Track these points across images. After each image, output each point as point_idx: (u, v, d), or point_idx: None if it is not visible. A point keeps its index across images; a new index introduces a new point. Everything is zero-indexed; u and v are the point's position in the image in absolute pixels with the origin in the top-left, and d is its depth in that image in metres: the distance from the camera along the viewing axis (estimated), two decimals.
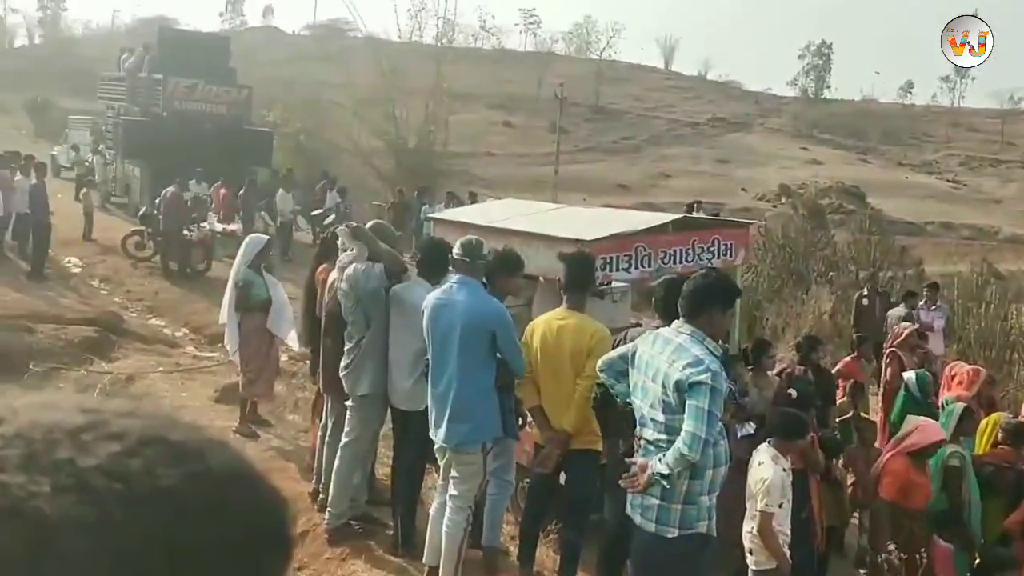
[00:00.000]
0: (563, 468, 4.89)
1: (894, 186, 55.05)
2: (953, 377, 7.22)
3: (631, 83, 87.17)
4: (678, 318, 3.80)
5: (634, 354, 3.95)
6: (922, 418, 6.10)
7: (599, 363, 4.27)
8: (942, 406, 6.76)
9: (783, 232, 17.86)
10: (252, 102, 24.47)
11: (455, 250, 4.89)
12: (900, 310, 11.31)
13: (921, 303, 11.77)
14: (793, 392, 6.30)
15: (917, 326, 10.01)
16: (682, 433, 3.54)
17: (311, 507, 5.94)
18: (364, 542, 5.45)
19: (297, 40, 76.46)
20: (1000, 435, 5.99)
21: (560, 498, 5.09)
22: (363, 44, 37.81)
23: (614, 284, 7.38)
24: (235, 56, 24.86)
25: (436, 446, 4.86)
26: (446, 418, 4.66)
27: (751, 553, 5.14)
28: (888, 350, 9.16)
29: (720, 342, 6.06)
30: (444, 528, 4.78)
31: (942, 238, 42.35)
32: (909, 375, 7.59)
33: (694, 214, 16.33)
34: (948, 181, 61.44)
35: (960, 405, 6.25)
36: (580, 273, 4.91)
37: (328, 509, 5.52)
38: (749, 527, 5.12)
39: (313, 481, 6.14)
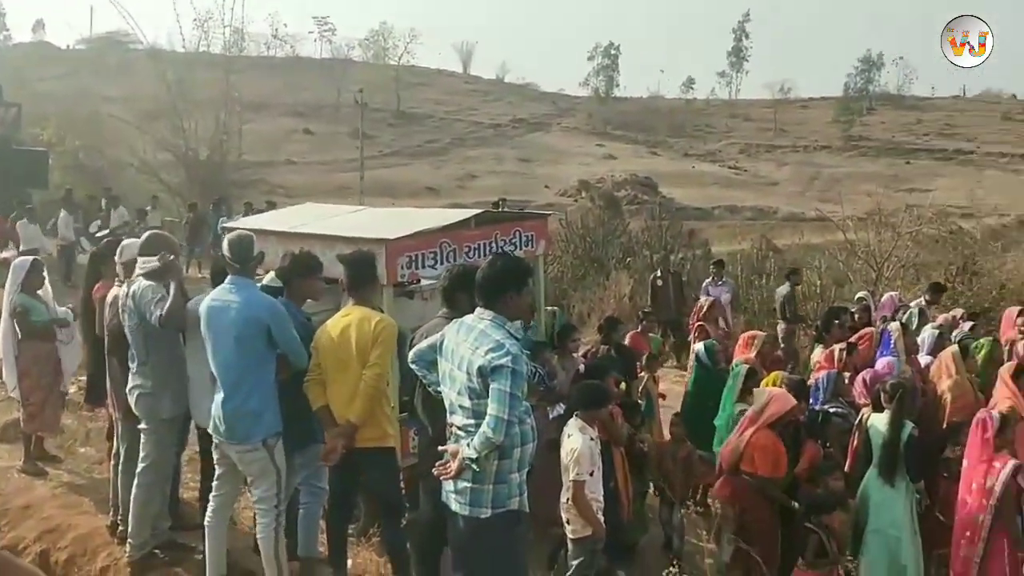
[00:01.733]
0: (359, 468, 4.83)
1: (682, 175, 58.75)
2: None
3: (431, 87, 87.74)
4: (460, 306, 3.88)
5: (442, 343, 3.99)
6: (771, 388, 6.26)
7: (411, 354, 4.28)
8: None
9: (583, 223, 18.60)
10: (22, 121, 22.71)
11: (223, 251, 4.78)
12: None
13: (708, 280, 12.64)
14: (580, 367, 6.63)
15: (714, 299, 10.76)
16: (487, 416, 3.61)
17: (110, 541, 5.55)
18: (171, 570, 5.16)
19: (72, 55, 70.98)
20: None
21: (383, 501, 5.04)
22: (145, 56, 35.71)
23: (423, 282, 7.41)
24: (0, 73, 22.90)
25: (214, 442, 4.79)
26: (224, 414, 4.61)
27: (568, 523, 5.32)
28: (696, 324, 9.72)
29: (535, 316, 6.28)
30: (257, 535, 4.73)
31: (727, 220, 45.71)
32: (698, 346, 8.14)
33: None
34: (730, 168, 66.36)
35: (744, 367, 6.78)
36: (360, 272, 4.89)
37: (129, 540, 5.19)
38: (565, 498, 5.30)
39: (111, 513, 5.73)
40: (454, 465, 3.68)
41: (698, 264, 16.12)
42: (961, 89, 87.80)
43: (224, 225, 13.32)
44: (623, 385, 7.27)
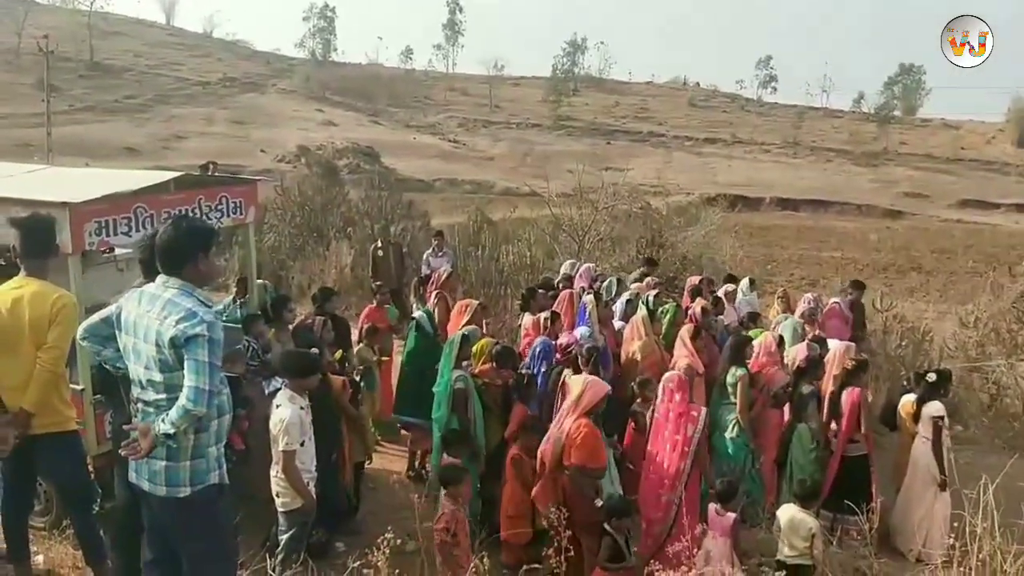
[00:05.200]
0: (37, 457, 4.37)
1: (404, 146, 59.14)
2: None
3: (129, 38, 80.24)
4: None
5: (119, 316, 3.65)
6: (584, 376, 6.23)
7: (80, 330, 3.87)
8: None
9: (300, 191, 18.06)
10: None
11: None
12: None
13: (429, 251, 12.84)
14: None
15: (452, 269, 10.84)
16: (184, 388, 3.38)
17: None
18: None
19: None
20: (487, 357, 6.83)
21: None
22: None
23: (118, 251, 6.76)
24: None
25: None
26: None
27: (278, 496, 5.18)
28: (435, 292, 9.66)
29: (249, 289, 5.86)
30: None
31: (448, 193, 46.79)
32: (419, 313, 8.25)
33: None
34: (450, 141, 67.84)
35: (459, 334, 6.98)
36: (37, 238, 4.42)
37: None
38: (275, 471, 5.14)
39: None
40: (144, 444, 3.41)
41: (418, 235, 16.29)
42: (652, 75, 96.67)
43: None
44: (339, 354, 7.19)
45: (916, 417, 7.28)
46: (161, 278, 3.58)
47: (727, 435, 7.30)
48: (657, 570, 4.62)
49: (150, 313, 3.49)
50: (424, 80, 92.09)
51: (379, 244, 13.10)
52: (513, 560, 5.89)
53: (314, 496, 5.22)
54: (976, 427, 10.17)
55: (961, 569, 5.84)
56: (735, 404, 7.31)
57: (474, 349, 6.79)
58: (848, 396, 7.26)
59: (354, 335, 8.66)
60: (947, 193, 53.43)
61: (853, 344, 8.42)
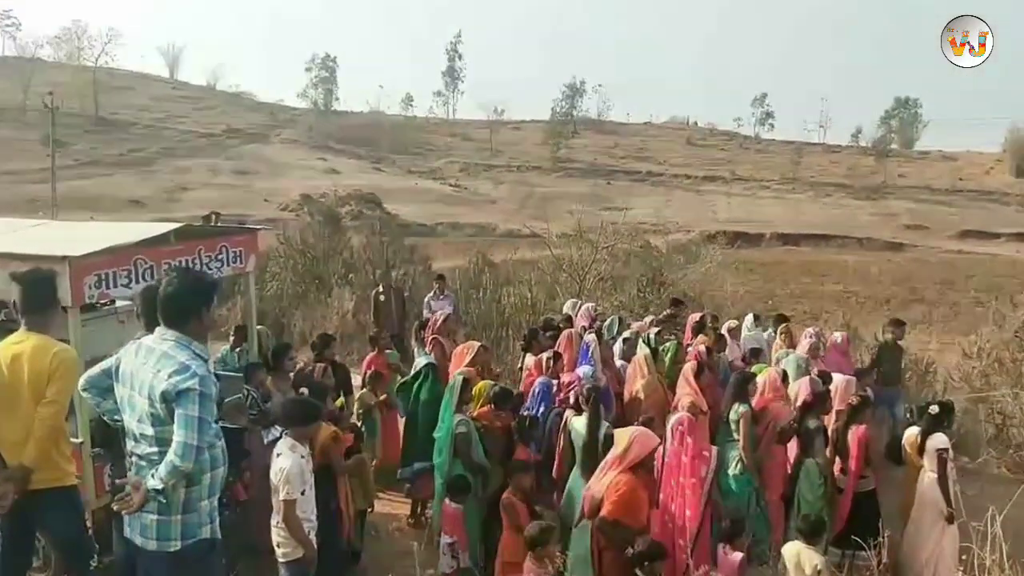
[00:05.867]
0: (36, 512, 4.35)
1: (406, 192, 59.58)
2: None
3: (134, 92, 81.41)
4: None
5: (118, 367, 3.66)
6: (634, 427, 6.02)
7: (82, 381, 3.88)
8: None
9: (302, 239, 18.17)
10: None
11: None
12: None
13: (430, 295, 12.87)
14: (304, 390, 6.46)
15: (448, 313, 10.86)
16: (173, 443, 3.37)
17: None
18: None
19: None
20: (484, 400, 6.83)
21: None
22: None
23: (119, 303, 6.80)
24: None
25: None
26: None
27: (279, 546, 5.13)
28: (431, 337, 9.66)
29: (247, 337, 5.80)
30: None
31: (450, 237, 47.01)
32: (426, 360, 8.22)
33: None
34: (451, 185, 68.34)
35: (459, 378, 6.97)
36: (35, 293, 4.45)
37: None
38: (276, 520, 5.11)
39: None
40: (136, 498, 3.40)
41: (419, 279, 16.35)
42: (650, 116, 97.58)
43: None
44: (340, 400, 7.19)
45: (921, 450, 7.23)
46: (160, 330, 3.60)
47: (731, 472, 7.25)
48: None
49: (145, 366, 3.50)
50: (425, 126, 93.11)
51: (380, 289, 13.14)
52: None
53: (315, 545, 5.19)
54: (983, 458, 10.08)
55: None
56: (738, 441, 7.27)
57: (474, 392, 6.79)
58: (854, 433, 7.24)
59: (356, 380, 8.64)
60: (947, 224, 53.60)
61: (855, 379, 8.40)
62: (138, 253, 6.14)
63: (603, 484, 5.51)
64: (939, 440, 7.08)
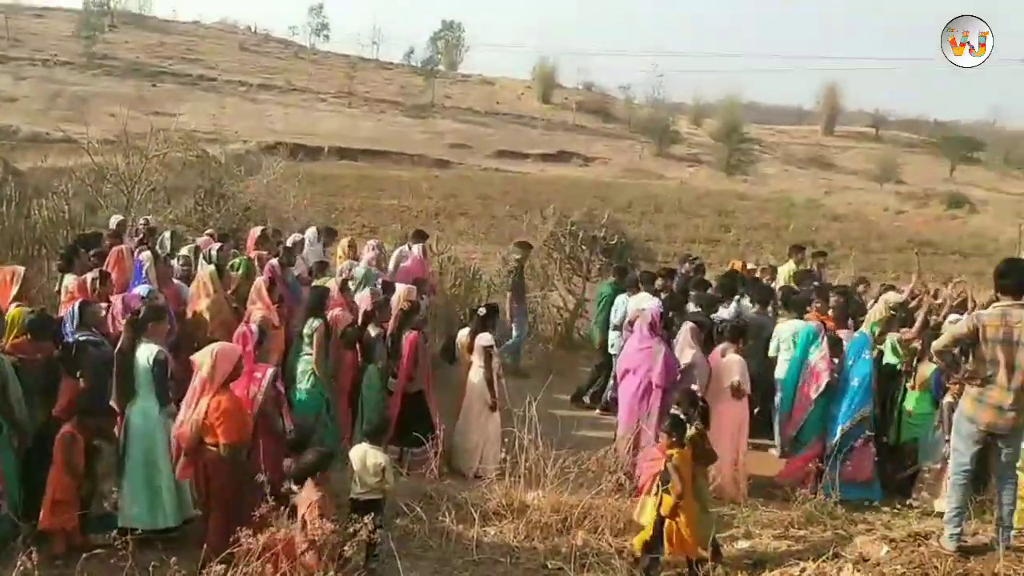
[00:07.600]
0: None
1: None
2: None
3: None
4: None
5: None
6: (210, 347, 5.49)
7: None
8: None
9: None
10: None
11: None
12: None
13: None
14: None
15: None
16: None
17: None
18: None
19: None
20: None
21: None
22: None
23: None
24: None
25: None
26: None
27: None
28: None
29: None
30: None
31: None
32: None
33: None
34: None
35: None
36: None
37: None
38: None
39: None
40: None
41: None
42: (199, 16, 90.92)
43: None
44: None
45: (471, 348, 8.06)
46: None
47: (302, 387, 7.39)
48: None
49: None
50: None
51: None
52: (62, 549, 5.44)
53: None
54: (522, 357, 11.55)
55: (512, 478, 6.69)
56: (311, 355, 7.40)
57: (6, 320, 5.89)
58: (407, 338, 7.79)
59: None
60: (486, 144, 58.83)
61: (414, 287, 9.00)
62: None
63: (199, 412, 5.31)
64: (486, 338, 7.98)
